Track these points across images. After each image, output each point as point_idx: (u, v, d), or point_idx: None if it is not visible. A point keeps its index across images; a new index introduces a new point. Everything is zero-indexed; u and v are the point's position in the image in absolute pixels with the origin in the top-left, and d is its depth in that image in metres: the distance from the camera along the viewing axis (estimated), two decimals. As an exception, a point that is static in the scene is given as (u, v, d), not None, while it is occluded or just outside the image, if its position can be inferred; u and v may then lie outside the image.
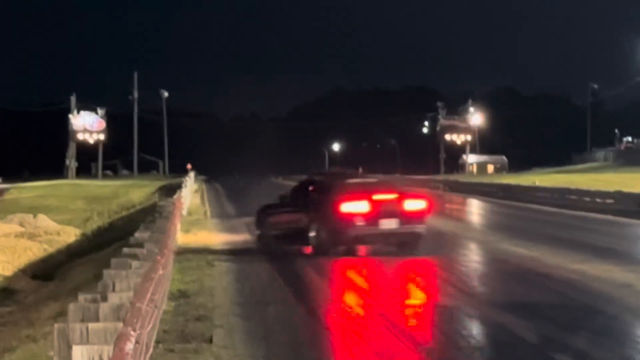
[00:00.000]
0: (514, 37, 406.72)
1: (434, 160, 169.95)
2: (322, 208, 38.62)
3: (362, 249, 39.76)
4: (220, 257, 37.33)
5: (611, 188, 76.01)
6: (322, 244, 37.78)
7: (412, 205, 38.65)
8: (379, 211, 37.52)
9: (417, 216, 38.52)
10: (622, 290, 28.97)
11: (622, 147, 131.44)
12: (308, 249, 38.68)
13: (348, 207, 37.61)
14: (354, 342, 23.97)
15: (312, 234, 37.99)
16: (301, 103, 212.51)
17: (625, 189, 72.17)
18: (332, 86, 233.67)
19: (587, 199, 73.45)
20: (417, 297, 30.63)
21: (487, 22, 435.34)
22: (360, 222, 37.18)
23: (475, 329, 24.52)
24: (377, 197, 38.20)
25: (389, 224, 37.39)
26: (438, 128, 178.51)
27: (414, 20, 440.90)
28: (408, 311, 27.42)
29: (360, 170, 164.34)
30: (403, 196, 39.13)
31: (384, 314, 26.35)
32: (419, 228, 38.37)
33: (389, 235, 37.92)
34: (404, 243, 38.31)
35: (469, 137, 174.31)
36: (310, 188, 42.59)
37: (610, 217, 61.65)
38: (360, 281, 33.27)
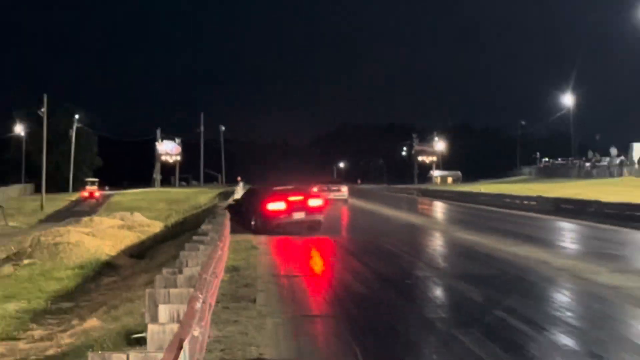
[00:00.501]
0: (467, 86, 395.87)
1: (409, 174, 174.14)
2: (258, 207, 48.57)
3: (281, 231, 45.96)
4: (260, 243, 39.32)
5: (534, 194, 78.04)
6: (258, 228, 46.77)
7: (314, 202, 48.38)
8: (292, 207, 46.91)
9: (318, 210, 48.02)
10: (541, 265, 31.38)
11: (541, 165, 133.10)
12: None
13: (272, 206, 47.57)
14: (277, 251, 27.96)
15: (252, 222, 47.79)
16: (319, 133, 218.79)
17: (544, 194, 73.96)
18: (339, 121, 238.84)
19: (517, 201, 76.21)
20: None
21: (451, 75, 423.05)
22: (280, 215, 47.03)
23: (437, 292, 27.18)
24: (291, 198, 47.57)
25: (298, 215, 46.91)
26: (413, 152, 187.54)
27: (399, 71, 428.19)
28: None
29: (359, 181, 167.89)
30: (307, 197, 49.11)
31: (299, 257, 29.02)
32: (319, 217, 48.24)
33: (299, 222, 46.94)
34: (311, 227, 47.31)
35: (434, 158, 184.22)
36: (252, 194, 54.64)
37: (533, 214, 63.86)
38: (282, 248, 36.40)
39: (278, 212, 46.76)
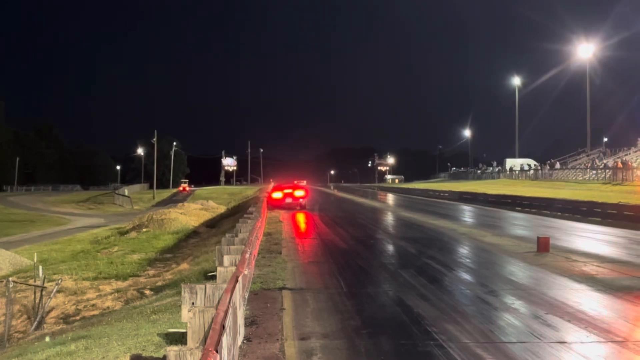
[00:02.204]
0: (407, 121, 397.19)
1: (373, 177, 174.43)
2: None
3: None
4: (283, 219, 38.78)
5: (447, 189, 77.58)
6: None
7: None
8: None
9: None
10: (451, 231, 31.45)
11: (451, 172, 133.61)
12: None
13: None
14: (294, 223, 26.67)
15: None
16: (320, 151, 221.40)
17: (453, 189, 73.51)
18: (332, 143, 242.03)
19: (437, 193, 75.88)
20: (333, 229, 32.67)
21: (398, 113, 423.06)
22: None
23: (389, 247, 26.91)
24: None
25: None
26: (375, 163, 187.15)
27: (368, 110, 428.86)
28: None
29: (343, 181, 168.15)
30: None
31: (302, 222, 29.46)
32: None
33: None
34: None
35: (387, 167, 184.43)
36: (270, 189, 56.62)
37: (446, 201, 63.90)
38: (296, 222, 34.49)
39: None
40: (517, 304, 14.38)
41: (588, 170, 73.13)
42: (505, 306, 14.26)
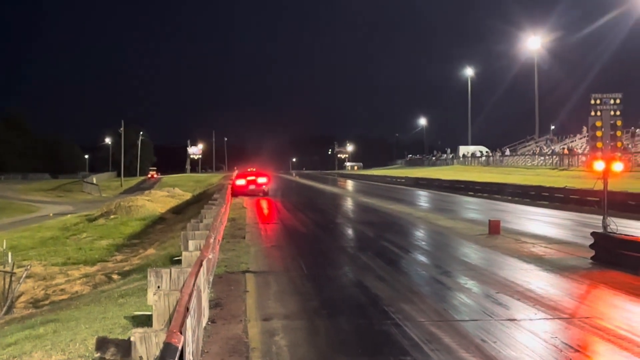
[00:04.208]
0: (370, 108, 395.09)
1: (333, 165, 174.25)
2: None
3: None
4: (247, 205, 38.43)
5: (403, 175, 77.14)
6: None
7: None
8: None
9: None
10: (408, 215, 31.50)
11: (408, 159, 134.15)
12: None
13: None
14: (257, 209, 26.81)
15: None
16: (282, 139, 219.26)
17: (409, 175, 73.32)
18: (294, 131, 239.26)
19: (394, 179, 75.61)
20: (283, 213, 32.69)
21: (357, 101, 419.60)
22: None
23: (349, 231, 27.02)
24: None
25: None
26: (335, 151, 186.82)
27: (330, 98, 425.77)
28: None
29: (304, 169, 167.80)
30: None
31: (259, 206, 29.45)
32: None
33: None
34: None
35: (347, 155, 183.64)
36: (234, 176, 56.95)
37: (403, 187, 64.09)
38: (259, 208, 34.40)
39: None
40: (469, 284, 14.49)
41: (536, 156, 73.96)
42: (459, 286, 14.36)
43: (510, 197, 41.89)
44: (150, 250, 28.21)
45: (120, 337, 9.42)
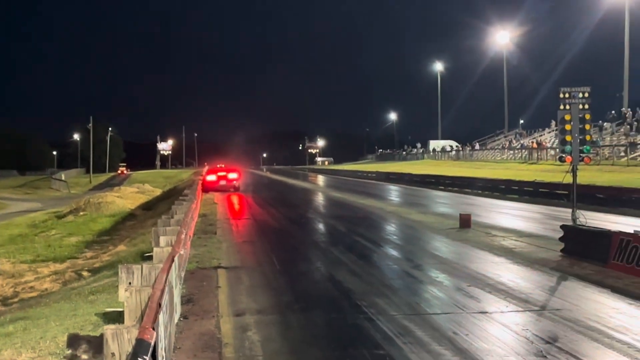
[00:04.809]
0: (340, 103, 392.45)
1: (304, 160, 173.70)
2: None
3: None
4: (218, 200, 38.38)
5: (374, 170, 77.55)
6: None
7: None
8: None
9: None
10: (379, 210, 31.70)
11: (378, 154, 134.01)
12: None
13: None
14: (228, 205, 27.71)
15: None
16: (253, 134, 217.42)
17: (380, 170, 73.73)
18: (265, 126, 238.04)
19: (365, 174, 76.02)
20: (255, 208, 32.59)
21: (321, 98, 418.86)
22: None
23: (320, 226, 27.08)
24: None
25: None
26: (306, 146, 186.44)
27: (299, 96, 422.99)
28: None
29: (275, 164, 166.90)
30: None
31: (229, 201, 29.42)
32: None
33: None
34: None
35: (317, 150, 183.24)
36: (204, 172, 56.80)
37: (374, 182, 64.40)
38: (231, 203, 34.55)
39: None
40: (441, 277, 14.57)
41: (506, 150, 74.41)
42: (430, 279, 14.45)
43: (480, 191, 42.19)
44: (121, 247, 27.95)
45: (91, 334, 9.35)
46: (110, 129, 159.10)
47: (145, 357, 4.88)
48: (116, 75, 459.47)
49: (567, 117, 17.55)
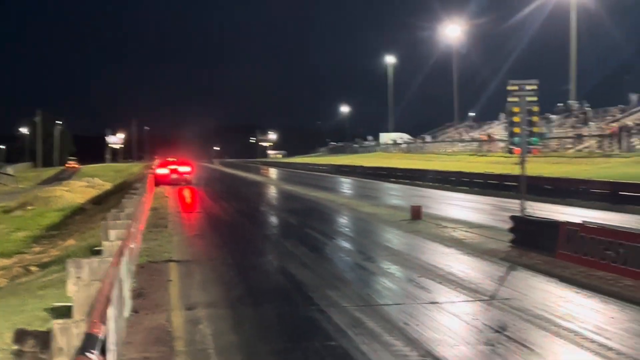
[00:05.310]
0: (292, 96, 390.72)
1: (256, 153, 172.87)
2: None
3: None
4: (169, 194, 38.18)
5: (326, 162, 78.14)
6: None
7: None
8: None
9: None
10: (331, 202, 31.74)
11: (330, 146, 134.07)
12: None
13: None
14: (180, 198, 27.57)
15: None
16: (203, 128, 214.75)
17: (332, 163, 74.20)
18: (217, 119, 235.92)
19: (317, 167, 76.39)
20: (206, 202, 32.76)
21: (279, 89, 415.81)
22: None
23: (272, 219, 27.33)
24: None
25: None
26: (258, 139, 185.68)
27: (251, 88, 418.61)
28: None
29: (227, 157, 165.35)
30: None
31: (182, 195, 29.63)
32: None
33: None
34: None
35: (270, 143, 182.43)
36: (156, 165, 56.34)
37: (325, 174, 64.45)
38: (182, 197, 34.58)
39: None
40: (392, 268, 14.66)
41: (456, 142, 75.23)
42: (382, 271, 14.55)
43: (431, 183, 42.54)
44: (70, 242, 27.55)
45: (40, 329, 9.19)
46: (58, 122, 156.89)
47: (93, 351, 4.82)
48: (65, 68, 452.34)
49: (516, 110, 17.77)
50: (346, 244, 19.31)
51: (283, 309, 11.06)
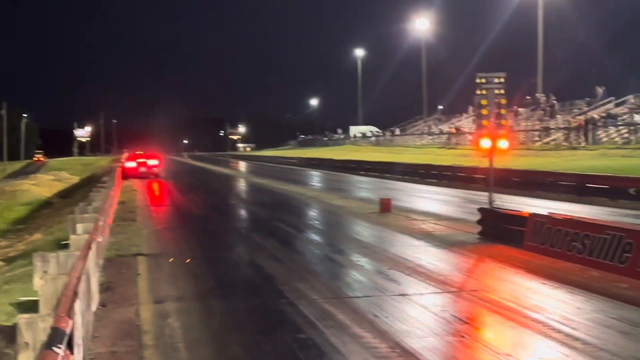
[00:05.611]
0: (261, 89, 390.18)
1: (225, 146, 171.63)
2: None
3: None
4: (138, 187, 37.93)
5: (296, 155, 77.74)
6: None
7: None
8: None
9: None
10: (300, 195, 31.72)
11: (300, 140, 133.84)
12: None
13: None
14: (148, 191, 27.65)
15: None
16: (172, 122, 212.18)
17: (302, 156, 73.53)
18: (185, 112, 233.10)
19: (287, 160, 76.21)
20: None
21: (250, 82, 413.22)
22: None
23: (242, 212, 27.52)
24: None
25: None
26: (227, 132, 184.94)
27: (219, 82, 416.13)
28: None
29: (196, 151, 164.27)
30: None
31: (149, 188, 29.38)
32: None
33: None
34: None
35: (239, 137, 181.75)
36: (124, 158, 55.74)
37: (295, 167, 64.40)
38: (151, 190, 34.59)
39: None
40: (362, 261, 14.71)
41: (425, 135, 75.50)
42: (352, 264, 14.59)
43: (400, 176, 42.66)
44: (37, 236, 27.29)
45: (5, 324, 9.11)
46: (24, 115, 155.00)
47: (60, 345, 4.77)
48: (31, 60, 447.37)
49: (484, 102, 17.86)
50: (316, 237, 19.34)
51: (253, 302, 11.04)
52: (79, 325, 6.44)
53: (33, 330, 5.47)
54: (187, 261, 13.00)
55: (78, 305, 6.46)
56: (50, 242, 21.39)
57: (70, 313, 5.70)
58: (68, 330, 5.29)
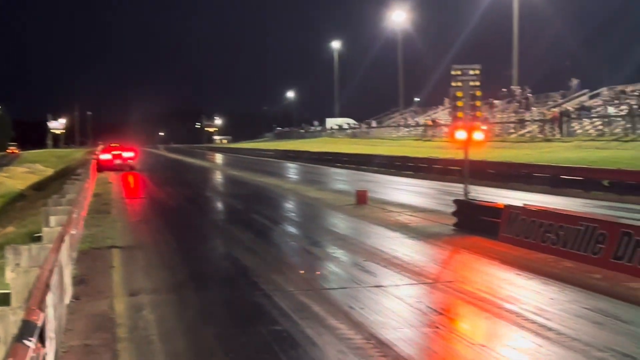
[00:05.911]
0: (238, 81, 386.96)
1: (201, 139, 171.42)
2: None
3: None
4: (112, 180, 37.61)
5: (272, 148, 77.92)
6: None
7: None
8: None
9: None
10: (277, 187, 31.72)
11: (276, 132, 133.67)
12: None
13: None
14: (123, 184, 27.40)
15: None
16: (147, 114, 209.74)
17: (278, 148, 73.89)
18: (161, 104, 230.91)
19: (264, 152, 76.18)
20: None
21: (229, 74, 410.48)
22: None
23: (218, 204, 27.49)
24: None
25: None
26: (203, 125, 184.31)
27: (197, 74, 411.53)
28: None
29: (172, 143, 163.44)
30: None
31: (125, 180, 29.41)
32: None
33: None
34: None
35: (216, 129, 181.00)
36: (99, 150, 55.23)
37: (272, 160, 64.30)
38: (126, 182, 34.38)
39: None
40: (338, 253, 14.73)
41: (402, 127, 75.69)
42: (328, 255, 14.59)
43: (376, 168, 42.77)
44: (9, 229, 26.98)
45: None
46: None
47: (31, 339, 4.72)
48: (4, 51, 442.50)
49: (459, 94, 17.91)
50: (292, 229, 19.33)
51: (228, 294, 11.02)
52: (51, 318, 6.38)
53: (4, 324, 5.43)
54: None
55: (50, 298, 6.40)
56: (23, 235, 21.18)
57: (42, 306, 5.65)
58: (39, 323, 5.24)
